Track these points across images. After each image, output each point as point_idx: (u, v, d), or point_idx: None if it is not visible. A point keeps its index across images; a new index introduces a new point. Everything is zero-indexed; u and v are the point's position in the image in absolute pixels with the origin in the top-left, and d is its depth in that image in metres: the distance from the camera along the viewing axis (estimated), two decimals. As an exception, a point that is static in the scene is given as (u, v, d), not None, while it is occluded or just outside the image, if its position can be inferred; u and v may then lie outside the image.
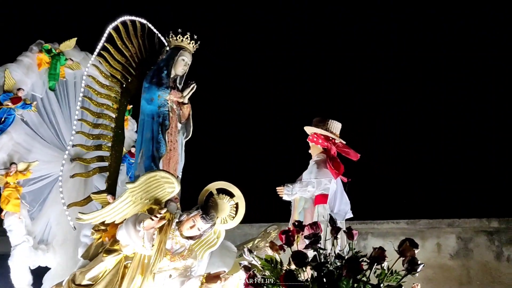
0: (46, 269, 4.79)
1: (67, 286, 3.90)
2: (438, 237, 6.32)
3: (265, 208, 6.72)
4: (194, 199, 4.35)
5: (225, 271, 3.81)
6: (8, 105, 4.53)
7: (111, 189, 4.71)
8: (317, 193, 4.21)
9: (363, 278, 2.64)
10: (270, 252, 3.34)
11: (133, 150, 5.79)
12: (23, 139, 4.69)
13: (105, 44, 5.14)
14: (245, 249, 3.30)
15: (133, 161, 5.78)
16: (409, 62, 8.99)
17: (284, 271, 2.77)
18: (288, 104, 9.61)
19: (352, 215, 4.30)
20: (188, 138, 5.15)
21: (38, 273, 4.73)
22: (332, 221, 3.01)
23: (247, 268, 3.06)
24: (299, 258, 2.62)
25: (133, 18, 5.34)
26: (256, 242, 4.86)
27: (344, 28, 9.47)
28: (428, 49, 9.16)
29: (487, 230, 6.28)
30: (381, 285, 2.66)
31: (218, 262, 4.41)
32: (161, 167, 4.61)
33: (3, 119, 4.48)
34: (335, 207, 4.17)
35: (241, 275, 4.08)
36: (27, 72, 4.83)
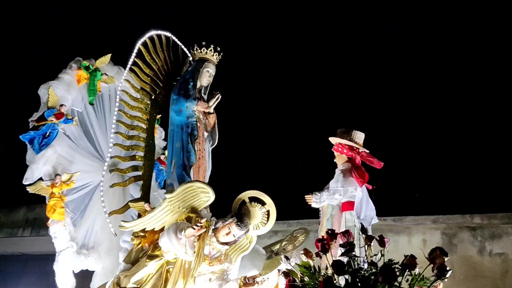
0: (87, 272, 5.10)
1: (112, 288, 4.20)
2: (424, 233, 6.58)
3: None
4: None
5: (261, 275, 4.09)
6: (52, 120, 4.82)
7: (146, 197, 4.99)
8: (344, 201, 4.47)
9: (395, 284, 2.91)
10: (304, 258, 3.58)
11: (162, 157, 6.09)
12: (65, 152, 4.98)
13: (135, 59, 5.41)
14: (282, 256, 3.59)
15: (161, 167, 6.08)
16: (409, 62, 9.06)
17: (323, 277, 3.04)
18: (288, 104, 9.69)
19: (377, 221, 4.57)
20: (214, 146, 5.42)
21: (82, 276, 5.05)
22: (363, 230, 3.27)
23: (286, 274, 3.33)
24: (338, 266, 2.88)
25: (159, 32, 5.59)
26: (283, 244, 5.10)
27: (344, 28, 9.53)
28: (428, 49, 9.22)
29: (470, 225, 6.51)
30: (412, 289, 2.93)
31: (249, 265, 4.63)
32: (191, 175, 4.89)
33: (47, 134, 4.77)
34: (361, 213, 4.43)
35: (271, 276, 4.39)
36: (68, 89, 5.11)
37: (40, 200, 4.86)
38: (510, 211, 6.46)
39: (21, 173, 4.77)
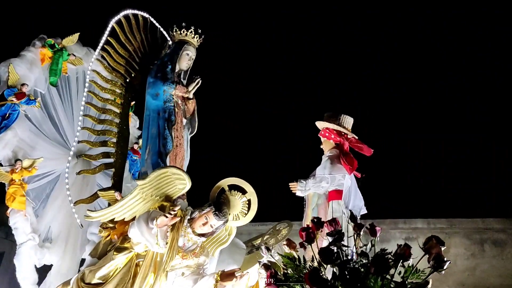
0: (49, 267, 4.71)
1: (76, 284, 3.81)
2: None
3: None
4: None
5: (239, 269, 3.77)
6: (12, 100, 4.45)
7: (118, 186, 4.66)
8: (331, 189, 4.19)
9: (387, 276, 2.61)
10: (286, 249, 3.28)
11: (135, 147, 5.76)
12: (27, 136, 4.62)
13: (108, 38, 5.07)
14: (263, 247, 3.27)
15: (135, 158, 5.76)
16: (409, 61, 9.14)
17: (307, 269, 2.73)
18: (286, 103, 9.65)
19: (366, 211, 4.28)
20: (193, 134, 5.11)
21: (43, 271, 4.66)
22: (353, 218, 2.97)
23: (266, 266, 3.00)
24: (326, 255, 2.57)
25: (136, 12, 5.28)
26: (265, 238, 4.81)
27: (344, 28, 9.59)
28: (428, 49, 9.35)
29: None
30: (406, 282, 2.63)
31: (227, 259, 4.36)
32: (168, 163, 4.56)
33: (7, 115, 4.40)
34: (350, 203, 4.13)
35: (252, 272, 4.07)
36: (31, 67, 4.75)
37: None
38: (396, 217, 6.97)
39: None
